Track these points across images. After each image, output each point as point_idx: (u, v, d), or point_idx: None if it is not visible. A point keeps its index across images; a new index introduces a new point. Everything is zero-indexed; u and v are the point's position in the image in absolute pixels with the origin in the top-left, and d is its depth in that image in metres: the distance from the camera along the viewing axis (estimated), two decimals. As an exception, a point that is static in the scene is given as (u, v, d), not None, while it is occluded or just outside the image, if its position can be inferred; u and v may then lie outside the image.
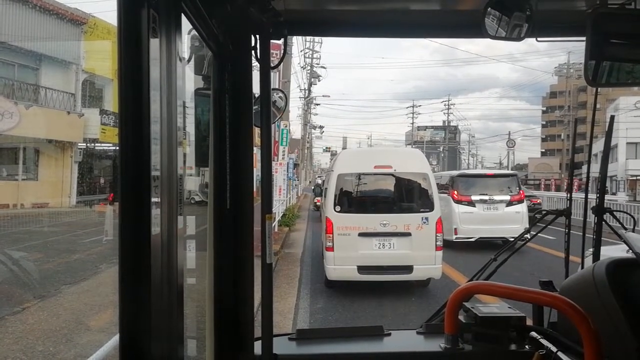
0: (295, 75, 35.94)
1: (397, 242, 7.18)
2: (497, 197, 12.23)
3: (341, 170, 7.63)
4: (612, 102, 44.22)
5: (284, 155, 18.11)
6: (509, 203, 12.25)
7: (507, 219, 11.86)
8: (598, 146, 38.71)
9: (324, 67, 44.57)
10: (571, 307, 1.26)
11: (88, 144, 19.78)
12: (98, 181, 20.45)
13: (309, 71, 38.69)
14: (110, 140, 19.27)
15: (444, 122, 75.41)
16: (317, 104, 45.94)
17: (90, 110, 19.14)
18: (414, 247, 7.15)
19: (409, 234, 7.15)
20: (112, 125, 19.21)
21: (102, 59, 19.50)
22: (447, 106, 70.86)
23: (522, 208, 12.30)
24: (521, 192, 12.90)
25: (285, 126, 18.29)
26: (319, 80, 39.11)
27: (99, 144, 20.21)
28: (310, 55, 38.07)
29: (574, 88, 51.45)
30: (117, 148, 0.84)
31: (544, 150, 67.31)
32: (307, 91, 39.55)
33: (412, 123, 72.68)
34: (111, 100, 20.30)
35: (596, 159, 40.17)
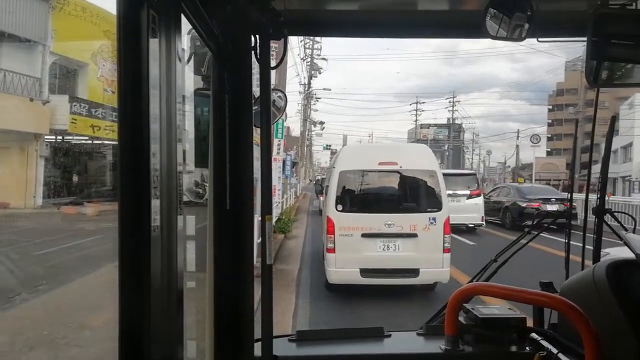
0: (294, 68, 34.83)
1: (403, 243, 6.83)
2: (459, 192, 14.50)
3: (343, 167, 7.21)
4: (620, 100, 43.71)
5: (279, 149, 15.76)
6: (469, 196, 14.85)
7: (467, 209, 14.41)
8: (613, 144, 37.97)
9: (324, 59, 41.22)
10: (571, 308, 1.26)
11: (57, 136, 17.35)
12: (70, 179, 18.06)
13: (309, 63, 36.79)
14: (82, 132, 16.88)
15: (448, 119, 75.10)
16: (318, 98, 44.02)
17: (59, 98, 16.62)
18: (420, 249, 6.78)
19: (415, 235, 6.78)
20: (84, 115, 16.76)
21: (74, 39, 17.26)
22: (451, 103, 70.48)
23: (480, 201, 15.14)
24: (479, 188, 15.97)
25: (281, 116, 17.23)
26: (319, 73, 37.43)
27: (70, 137, 17.78)
28: (310, 46, 36.05)
29: (580, 86, 50.96)
30: (117, 147, 0.84)
31: (549, 149, 66.91)
32: (306, 86, 38.01)
33: (416, 120, 72.31)
34: (87, 87, 18.29)
35: (613, 158, 39.68)
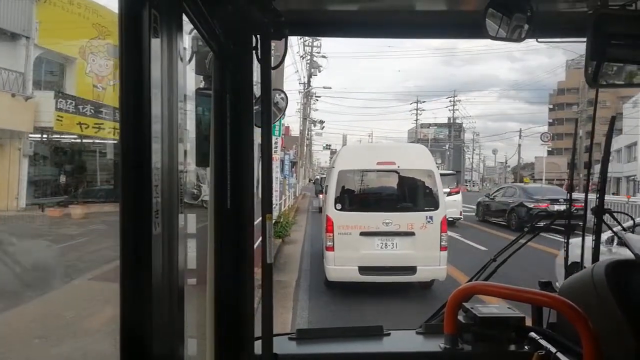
0: (294, 65, 34.11)
1: (400, 241, 6.98)
2: None
3: (342, 167, 7.37)
4: (622, 99, 43.34)
5: (275, 148, 14.28)
6: (449, 194, 15.46)
7: (448, 205, 16.51)
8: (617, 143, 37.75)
9: (324, 57, 40.72)
10: (570, 308, 1.26)
11: (43, 135, 16.27)
12: (56, 179, 16.74)
13: (308, 61, 36.02)
14: (69, 130, 15.82)
15: (449, 119, 75.03)
16: (318, 97, 43.11)
17: (44, 94, 15.51)
18: (417, 247, 6.95)
19: (412, 234, 6.94)
20: (71, 112, 15.55)
21: (61, 32, 16.35)
22: (452, 102, 70.33)
23: (458, 197, 16.84)
24: (459, 186, 18.09)
25: (279, 112, 16.24)
26: (319, 71, 36.80)
27: (58, 135, 16.56)
28: (310, 44, 35.17)
29: (582, 85, 50.73)
30: (119, 147, 0.84)
31: (550, 149, 66.82)
32: (306, 84, 37.28)
33: (416, 120, 72.15)
34: (74, 83, 17.29)
35: (616, 157, 39.22)
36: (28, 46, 15.28)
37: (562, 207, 15.49)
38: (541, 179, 46.20)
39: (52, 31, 15.94)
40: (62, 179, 16.75)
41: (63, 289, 6.82)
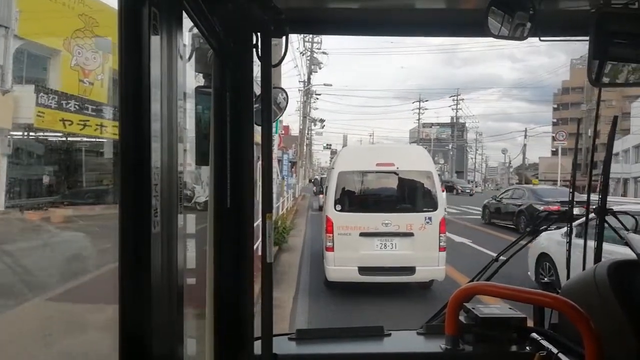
0: (293, 62, 33.22)
1: (400, 242, 7.06)
2: None
3: (342, 168, 7.47)
4: (627, 98, 42.69)
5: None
6: None
7: None
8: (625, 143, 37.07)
9: (325, 53, 39.95)
10: (572, 308, 1.25)
11: (24, 132, 15.11)
12: (40, 180, 15.62)
13: (308, 58, 35.34)
14: (51, 126, 14.84)
15: (452, 118, 74.63)
16: (319, 95, 42.02)
17: (23, 88, 14.61)
18: (416, 247, 7.03)
19: (411, 234, 7.03)
20: (53, 108, 14.67)
21: (44, 23, 15.45)
22: (455, 101, 69.92)
23: (444, 196, 15.66)
24: (443, 186, 19.63)
25: (276, 109, 15.81)
26: (319, 68, 36.08)
27: (41, 133, 15.42)
28: (310, 40, 34.35)
29: (587, 84, 50.17)
30: (118, 145, 0.84)
31: (554, 149, 66.63)
32: (306, 82, 36.70)
33: (419, 119, 71.68)
34: (58, 77, 16.25)
35: (624, 157, 38.66)
36: (7, 37, 14.23)
37: (575, 210, 15.03)
38: (551, 180, 45.70)
39: (34, 21, 14.89)
40: (46, 179, 15.67)
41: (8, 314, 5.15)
